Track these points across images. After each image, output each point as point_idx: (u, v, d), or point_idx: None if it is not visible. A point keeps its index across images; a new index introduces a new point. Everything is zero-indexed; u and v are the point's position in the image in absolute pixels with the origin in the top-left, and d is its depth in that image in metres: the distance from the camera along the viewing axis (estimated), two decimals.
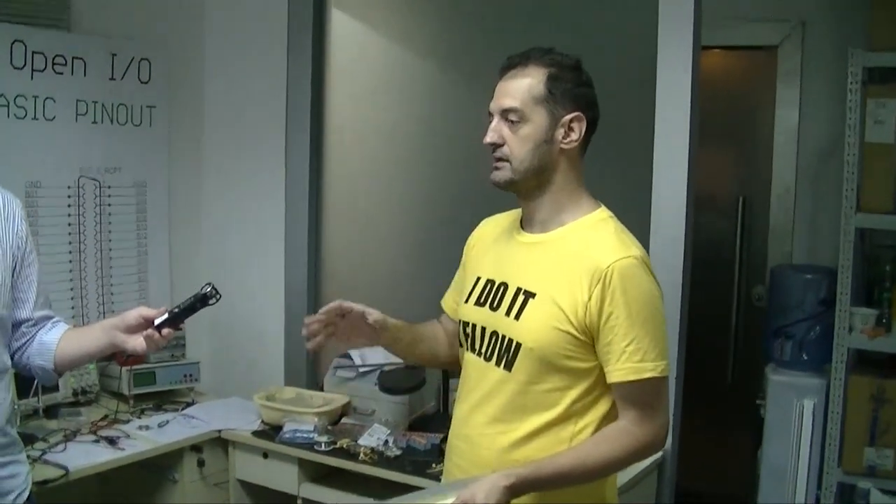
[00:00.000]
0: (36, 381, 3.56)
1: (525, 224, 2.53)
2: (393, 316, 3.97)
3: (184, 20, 4.42)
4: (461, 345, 2.60)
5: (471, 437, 2.50)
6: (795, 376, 4.26)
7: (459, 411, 2.57)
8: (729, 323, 4.92)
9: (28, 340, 2.63)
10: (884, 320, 4.06)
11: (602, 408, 2.41)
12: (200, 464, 3.86)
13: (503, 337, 2.42)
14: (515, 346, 2.39)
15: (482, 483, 2.22)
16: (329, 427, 3.79)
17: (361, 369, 3.94)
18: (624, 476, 3.24)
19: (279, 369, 4.36)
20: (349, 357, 4.00)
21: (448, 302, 2.76)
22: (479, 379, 2.48)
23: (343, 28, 4.30)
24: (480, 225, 2.72)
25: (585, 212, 2.48)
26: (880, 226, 4.05)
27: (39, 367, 2.63)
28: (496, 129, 2.41)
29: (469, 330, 2.53)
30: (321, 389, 4.10)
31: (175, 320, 2.48)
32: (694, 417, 4.01)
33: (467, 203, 4.02)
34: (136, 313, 2.49)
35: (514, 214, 2.60)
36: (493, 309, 2.46)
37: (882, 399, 3.96)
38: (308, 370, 4.34)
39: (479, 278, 2.56)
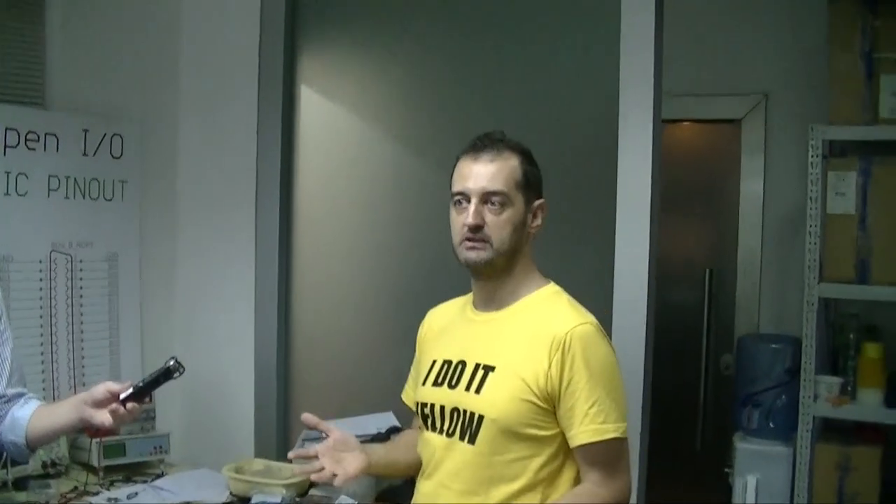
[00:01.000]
0: (5, 455, 3.57)
1: (479, 304, 2.61)
2: (362, 383, 4.04)
3: (156, 97, 4.48)
4: (421, 428, 2.65)
5: None
6: (763, 444, 4.30)
7: (424, 488, 2.62)
8: (698, 392, 4.97)
9: (1, 416, 2.67)
10: (849, 388, 4.12)
11: (568, 475, 2.47)
12: None
13: (464, 412, 2.48)
14: (478, 418, 2.44)
15: None
16: (297, 499, 3.79)
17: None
18: None
19: (249, 441, 4.36)
20: (317, 429, 4.01)
21: (409, 395, 2.83)
22: (444, 456, 2.53)
23: (312, 106, 4.37)
24: (427, 316, 2.81)
25: (538, 286, 2.57)
26: (843, 295, 4.13)
27: (11, 443, 2.67)
28: (479, 212, 2.47)
29: (428, 410, 2.59)
30: (290, 461, 4.11)
31: (139, 394, 2.52)
32: (664, 485, 4.02)
33: (433, 278, 4.10)
34: (103, 388, 2.53)
35: (461, 301, 2.70)
36: (452, 387, 2.53)
37: (848, 467, 4.00)
38: (278, 442, 4.35)
39: (434, 361, 2.63)
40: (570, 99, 3.80)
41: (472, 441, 2.45)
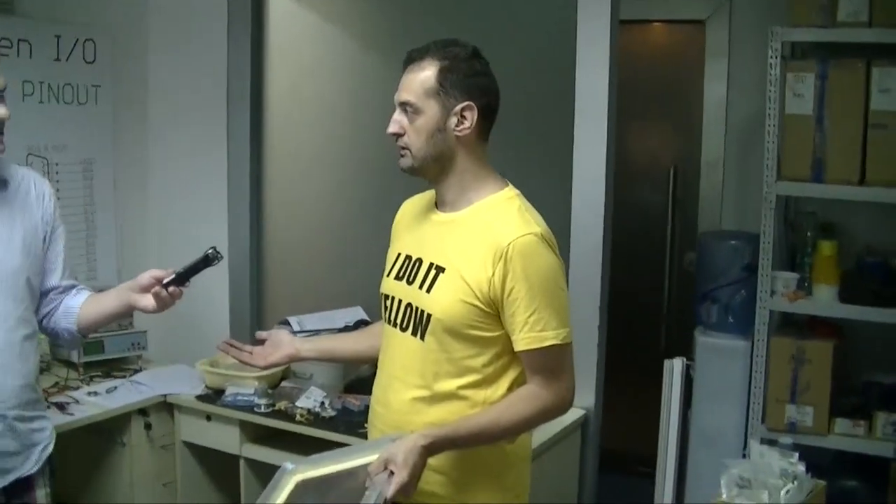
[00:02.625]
0: None
1: (438, 204, 2.71)
2: (333, 282, 4.14)
3: (127, 2, 4.53)
4: (381, 317, 2.79)
5: (390, 402, 2.69)
6: (721, 338, 4.44)
7: (379, 379, 2.77)
8: (662, 289, 5.09)
9: (55, 306, 2.90)
10: (805, 284, 4.23)
11: (512, 374, 2.60)
12: (147, 427, 4.02)
13: (416, 308, 2.61)
14: (427, 316, 2.58)
15: (401, 443, 2.40)
16: (269, 391, 3.94)
17: (299, 335, 4.09)
18: (543, 435, 3.44)
19: (224, 336, 4.48)
20: (288, 324, 4.15)
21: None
22: (397, 348, 2.68)
23: (282, 10, 4.42)
24: (402, 206, 2.90)
25: (491, 191, 2.65)
26: (800, 193, 4.23)
27: (65, 330, 2.90)
28: (397, 121, 2.62)
29: (388, 303, 2.73)
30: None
31: (180, 279, 2.70)
32: (629, 381, 4.19)
33: (399, 178, 4.18)
34: (147, 275, 2.73)
35: (430, 194, 2.77)
36: (409, 283, 2.65)
37: (802, 359, 4.13)
38: (252, 338, 4.47)
39: (399, 254, 2.75)
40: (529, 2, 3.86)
41: (421, 337, 2.59)
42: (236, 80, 4.39)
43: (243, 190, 4.42)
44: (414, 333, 2.62)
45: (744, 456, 4.19)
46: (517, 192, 2.68)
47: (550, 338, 2.51)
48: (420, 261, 2.66)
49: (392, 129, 2.62)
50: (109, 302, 2.87)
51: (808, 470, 2.80)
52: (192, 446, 4.09)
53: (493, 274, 2.50)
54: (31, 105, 4.11)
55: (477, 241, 2.55)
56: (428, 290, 2.59)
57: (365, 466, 2.42)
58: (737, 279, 4.45)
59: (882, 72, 3.97)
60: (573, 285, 3.76)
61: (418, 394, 2.61)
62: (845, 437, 4.08)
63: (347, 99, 4.35)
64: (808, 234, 4.32)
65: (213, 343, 4.42)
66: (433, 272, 2.60)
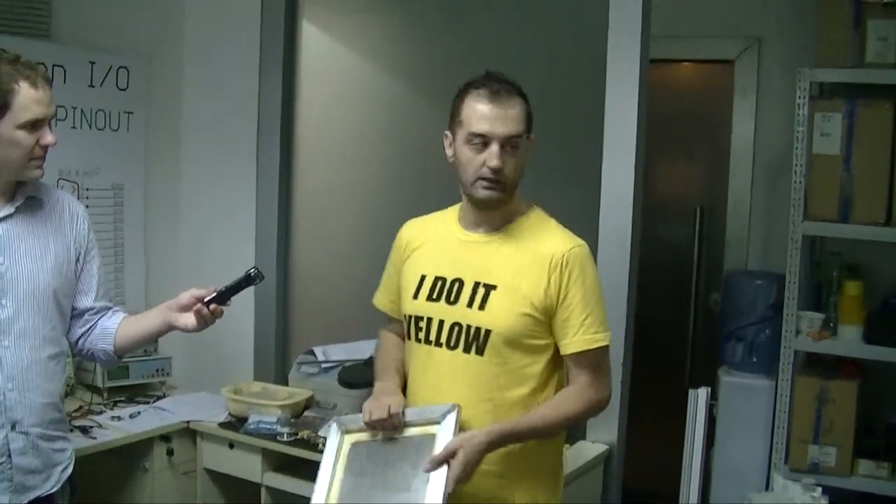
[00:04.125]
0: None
1: (469, 226, 2.77)
2: (360, 312, 4.16)
3: (162, 31, 4.59)
4: (408, 337, 2.82)
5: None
6: (745, 377, 4.43)
7: (420, 397, 2.76)
8: (687, 327, 5.08)
9: (91, 327, 2.92)
10: (830, 324, 4.23)
11: (557, 377, 2.75)
12: (170, 453, 4.02)
13: (469, 326, 2.68)
14: (485, 332, 2.66)
15: (469, 442, 2.51)
16: (292, 419, 3.95)
17: (324, 365, 4.11)
18: (569, 466, 3.44)
19: (249, 365, 4.53)
20: (313, 353, 4.17)
21: (383, 301, 2.99)
22: (443, 366, 2.72)
23: (314, 41, 4.47)
24: (405, 227, 2.95)
25: (525, 211, 2.77)
26: (826, 233, 4.22)
27: (102, 351, 2.91)
28: (503, 157, 2.62)
29: (423, 324, 2.76)
30: (287, 384, 4.27)
31: (221, 298, 2.71)
32: (653, 419, 4.17)
33: (430, 208, 4.21)
34: (188, 294, 2.74)
35: (440, 217, 2.88)
36: (451, 303, 2.71)
37: (826, 399, 4.12)
38: (276, 366, 4.50)
39: (424, 276, 2.78)
40: (560, 36, 3.89)
41: (479, 353, 2.67)
42: (267, 109, 4.43)
43: (272, 218, 4.45)
44: (467, 350, 2.68)
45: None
46: (542, 210, 2.83)
47: (601, 339, 2.68)
48: (460, 281, 2.72)
49: (500, 164, 2.62)
50: (149, 322, 2.89)
51: None
52: (213, 473, 4.10)
53: (549, 284, 2.65)
54: (63, 130, 4.14)
55: (526, 257, 2.68)
56: (481, 308, 2.67)
57: (418, 438, 2.57)
58: (762, 318, 4.46)
59: None
60: None
61: (481, 407, 2.67)
62: (868, 478, 4.06)
63: (376, 128, 4.39)
64: (834, 274, 4.32)
65: (238, 371, 4.50)
66: (482, 290, 2.68)
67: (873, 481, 4.06)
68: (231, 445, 3.98)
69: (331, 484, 2.64)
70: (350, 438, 2.69)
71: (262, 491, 3.93)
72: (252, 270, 2.71)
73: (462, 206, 2.81)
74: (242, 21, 4.45)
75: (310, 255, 4.53)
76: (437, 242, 2.82)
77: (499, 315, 2.65)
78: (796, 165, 4.14)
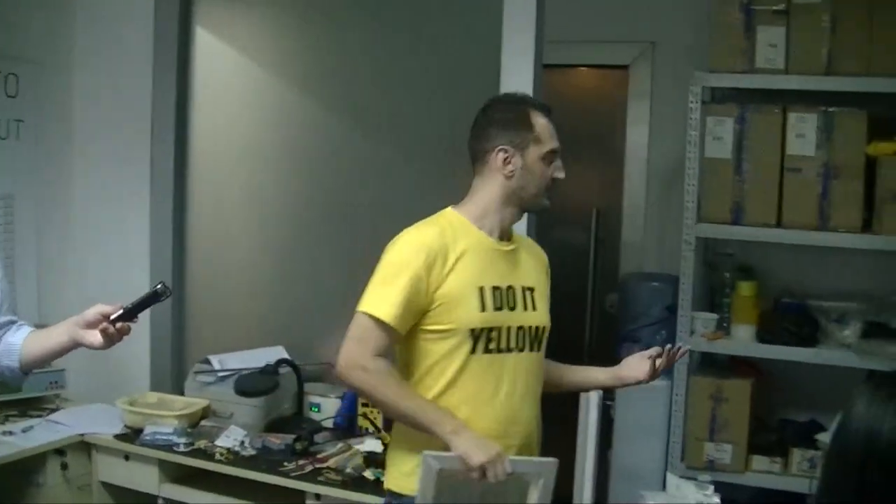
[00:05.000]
0: None
1: (502, 235, 2.89)
2: (255, 322, 4.14)
3: (52, 36, 4.49)
4: (472, 351, 2.76)
5: (523, 419, 2.87)
6: None
7: (503, 406, 2.80)
8: (584, 329, 5.12)
9: None
10: (724, 324, 4.32)
11: None
12: (64, 467, 3.93)
13: (528, 327, 2.87)
14: (542, 329, 2.93)
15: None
16: (188, 430, 3.90)
17: (220, 374, 4.06)
18: None
19: (144, 376, 4.45)
20: (209, 363, 4.12)
21: (402, 321, 2.72)
22: (518, 368, 2.85)
23: (207, 48, 4.42)
24: (426, 242, 2.75)
25: None
26: (719, 235, 4.30)
27: (6, 368, 2.78)
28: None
29: (495, 334, 2.79)
30: (183, 394, 4.21)
31: (128, 315, 2.59)
32: (550, 420, 4.17)
33: (326, 217, 4.21)
34: (94, 311, 2.60)
35: (450, 228, 2.81)
36: (512, 309, 2.83)
37: (720, 398, 4.21)
38: (173, 376, 4.44)
39: (482, 288, 2.77)
40: (453, 42, 3.90)
41: (539, 349, 2.92)
42: (161, 116, 4.36)
43: (166, 225, 4.39)
44: (531, 349, 2.89)
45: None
46: None
47: None
48: (512, 287, 2.83)
49: (563, 175, 2.92)
50: (54, 338, 2.74)
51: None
52: (109, 486, 4.01)
53: (548, 283, 3.03)
54: None
55: (534, 261, 3.00)
56: (534, 308, 2.89)
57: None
58: (658, 320, 4.51)
59: (797, 117, 4.09)
60: None
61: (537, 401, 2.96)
62: (762, 473, 4.16)
63: (271, 134, 4.35)
64: (727, 275, 4.40)
65: (134, 382, 4.42)
66: (528, 293, 2.88)
67: (767, 476, 4.16)
68: (127, 457, 3.91)
69: None
70: (443, 475, 2.61)
71: (160, 502, 3.87)
72: (159, 286, 2.62)
73: (483, 215, 2.85)
74: (135, 26, 4.38)
75: (205, 263, 4.47)
76: (476, 254, 2.80)
77: (542, 312, 2.92)
78: (689, 169, 4.22)
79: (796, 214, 4.11)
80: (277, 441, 3.77)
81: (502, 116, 2.85)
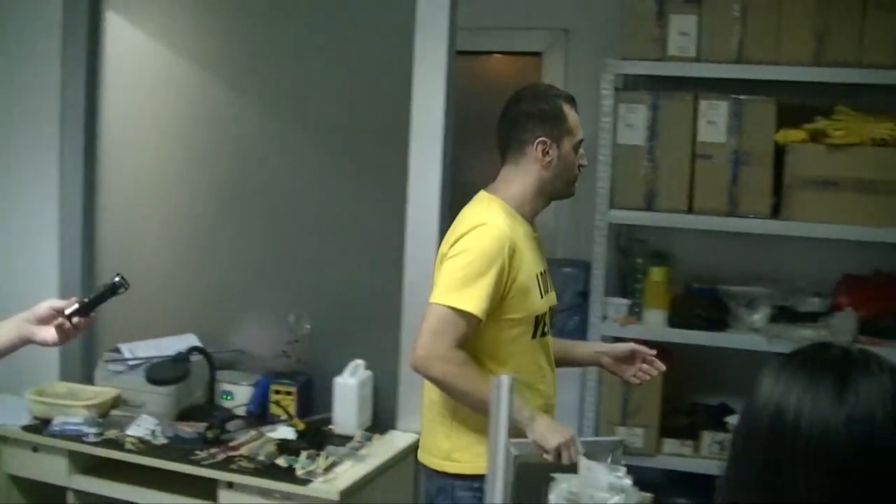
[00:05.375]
0: None
1: (529, 222, 3.00)
2: (167, 310, 4.08)
3: None
4: (533, 336, 2.91)
5: (554, 395, 3.06)
6: None
7: (548, 384, 3.01)
8: None
9: None
10: (636, 309, 4.37)
11: None
12: None
13: (552, 307, 3.03)
14: (556, 308, 3.11)
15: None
16: (98, 419, 3.83)
17: (131, 363, 4.00)
18: (377, 459, 3.47)
19: (53, 365, 4.35)
20: (119, 351, 4.06)
21: (484, 312, 2.76)
22: (551, 350, 3.02)
23: (118, 33, 4.33)
24: (503, 233, 2.80)
25: None
26: (631, 221, 4.35)
27: None
28: None
29: (544, 318, 2.95)
30: (93, 384, 4.14)
31: (85, 309, 2.50)
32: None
33: (236, 206, 4.16)
34: (46, 305, 2.50)
35: (502, 216, 2.88)
36: (547, 292, 2.99)
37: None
38: (82, 365, 4.36)
39: (538, 275, 2.94)
40: (366, 29, 3.88)
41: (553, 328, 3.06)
42: (70, 105, 4.25)
43: (76, 214, 4.30)
44: (552, 328, 3.04)
45: None
46: None
47: None
48: (544, 272, 2.99)
49: (586, 163, 3.08)
50: (3, 336, 2.57)
51: (639, 487, 2.89)
52: (17, 479, 3.90)
53: None
54: None
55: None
56: (552, 290, 3.05)
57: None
58: (570, 306, 4.53)
59: (709, 104, 4.15)
60: (407, 313, 3.79)
61: None
62: (674, 456, 4.23)
63: (182, 122, 4.28)
64: (640, 261, 4.45)
65: (43, 372, 4.32)
66: (548, 276, 3.02)
67: (679, 459, 4.23)
68: (35, 449, 3.82)
69: None
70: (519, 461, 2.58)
71: (69, 494, 3.78)
72: (117, 279, 2.55)
73: (522, 204, 2.95)
74: (43, 11, 4.27)
75: (115, 251, 4.39)
76: (525, 242, 2.90)
77: (553, 292, 3.05)
78: (602, 156, 4.26)
79: (707, 200, 4.18)
80: (189, 430, 3.72)
81: (539, 109, 2.94)
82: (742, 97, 4.11)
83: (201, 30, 4.25)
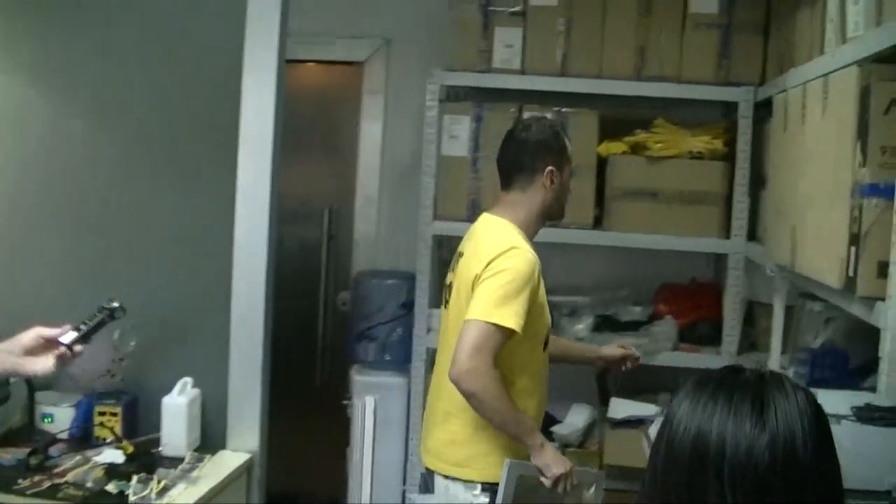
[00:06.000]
0: None
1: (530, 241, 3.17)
2: None
3: None
4: (544, 349, 3.19)
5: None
6: (379, 375, 4.48)
7: (546, 392, 3.23)
8: (316, 328, 5.07)
9: None
10: None
11: None
12: None
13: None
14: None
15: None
16: None
17: None
18: (210, 481, 3.34)
19: None
20: None
21: (521, 326, 2.95)
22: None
23: None
24: (533, 256, 3.05)
25: None
26: (455, 232, 4.33)
27: None
28: None
29: (549, 331, 3.23)
30: None
31: (86, 337, 2.44)
32: (285, 420, 4.11)
33: (49, 211, 3.95)
34: (33, 334, 2.40)
35: (523, 238, 3.12)
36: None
37: None
38: None
39: (546, 294, 3.18)
40: (194, 33, 3.75)
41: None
42: None
43: None
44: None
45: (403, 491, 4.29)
46: None
47: None
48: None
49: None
50: None
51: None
52: None
53: None
54: None
55: None
56: None
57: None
58: (393, 317, 4.53)
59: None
60: (235, 328, 3.67)
61: None
62: None
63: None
64: None
65: None
66: None
67: None
68: None
69: None
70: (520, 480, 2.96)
71: None
72: (115, 304, 2.50)
73: (528, 226, 3.17)
74: None
75: None
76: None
77: None
78: (426, 166, 4.26)
79: None
80: (8, 456, 3.48)
81: (545, 139, 3.17)
82: (565, 110, 4.19)
83: (10, 31, 4.04)
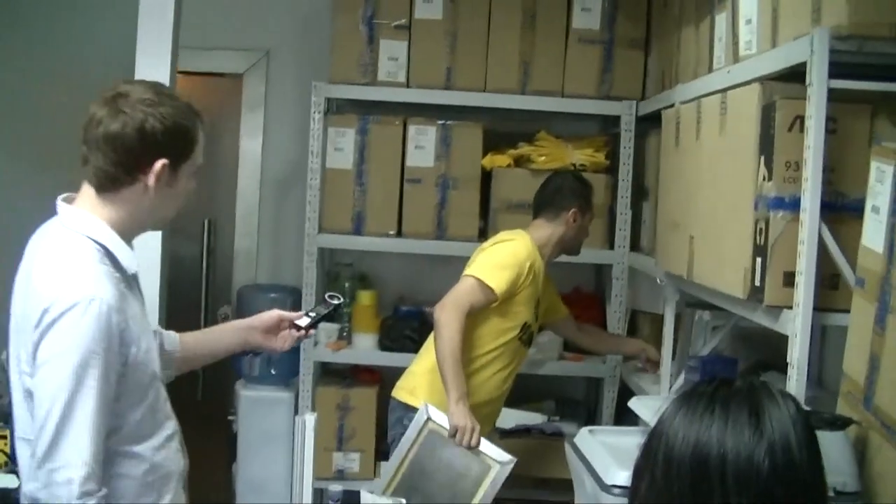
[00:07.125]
0: None
1: (545, 262, 3.69)
2: None
3: None
4: (518, 339, 3.63)
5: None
6: (265, 390, 4.44)
7: (508, 383, 3.68)
8: None
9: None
10: (345, 334, 4.38)
11: None
12: None
13: (536, 328, 3.77)
14: (538, 330, 3.82)
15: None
16: None
17: None
18: None
19: None
20: None
21: (502, 296, 3.49)
22: (522, 360, 3.72)
23: None
24: (532, 253, 3.58)
25: None
26: (341, 245, 4.38)
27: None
28: None
29: (531, 329, 3.66)
30: None
31: (316, 324, 2.69)
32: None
33: None
34: (274, 315, 2.64)
35: (531, 246, 3.60)
36: (538, 318, 3.72)
37: (347, 407, 4.27)
38: None
39: (539, 299, 3.67)
40: (86, 52, 3.68)
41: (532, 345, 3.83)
42: None
43: None
44: (531, 346, 3.80)
45: None
46: None
47: None
48: (540, 300, 3.70)
49: None
50: (222, 340, 2.72)
51: None
52: None
53: None
54: None
55: None
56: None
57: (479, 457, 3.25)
58: None
59: (417, 129, 4.26)
60: None
61: None
62: None
63: None
64: (347, 285, 4.46)
65: None
66: (540, 304, 3.71)
67: None
68: None
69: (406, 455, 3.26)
70: (431, 426, 3.27)
71: None
72: (338, 300, 2.75)
73: (544, 247, 3.65)
74: None
75: None
76: (539, 274, 3.60)
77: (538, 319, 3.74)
78: (311, 179, 4.24)
79: (415, 224, 4.27)
80: None
81: (578, 187, 3.73)
82: (450, 123, 4.23)
83: None
